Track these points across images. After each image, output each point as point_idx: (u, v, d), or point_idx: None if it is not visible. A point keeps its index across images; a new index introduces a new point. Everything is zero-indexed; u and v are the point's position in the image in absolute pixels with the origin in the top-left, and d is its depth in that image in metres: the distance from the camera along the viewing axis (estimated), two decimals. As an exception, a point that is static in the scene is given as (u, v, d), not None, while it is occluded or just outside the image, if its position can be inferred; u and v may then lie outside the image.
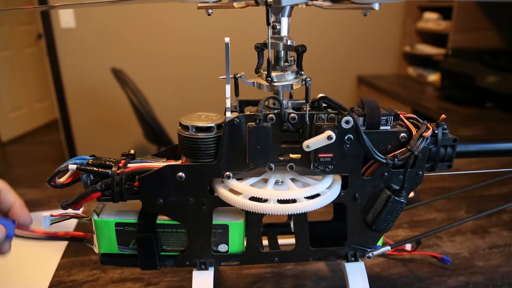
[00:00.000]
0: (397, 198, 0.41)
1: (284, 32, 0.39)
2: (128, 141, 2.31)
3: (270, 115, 0.38)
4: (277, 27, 0.39)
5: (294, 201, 0.40)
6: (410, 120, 0.42)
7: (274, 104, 0.39)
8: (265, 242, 0.48)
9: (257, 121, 0.37)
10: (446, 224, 0.57)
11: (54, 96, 2.31)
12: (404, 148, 0.40)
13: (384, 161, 0.40)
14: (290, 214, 0.40)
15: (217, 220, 0.43)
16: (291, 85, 0.39)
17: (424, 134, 0.40)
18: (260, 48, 0.39)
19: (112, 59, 2.12)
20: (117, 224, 0.42)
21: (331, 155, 0.39)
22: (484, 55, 1.70)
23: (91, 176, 0.40)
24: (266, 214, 0.39)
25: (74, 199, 0.40)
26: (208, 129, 0.38)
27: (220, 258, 0.44)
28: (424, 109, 1.75)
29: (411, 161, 0.40)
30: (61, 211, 0.41)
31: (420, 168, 0.42)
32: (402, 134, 0.40)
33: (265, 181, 0.41)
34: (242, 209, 0.40)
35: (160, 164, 0.40)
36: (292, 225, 0.45)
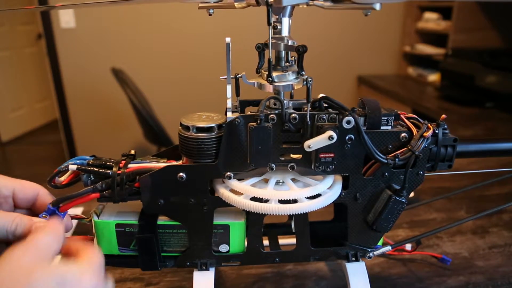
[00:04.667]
0: (398, 198, 0.41)
1: (285, 32, 0.39)
2: (128, 141, 2.31)
3: (271, 115, 0.38)
4: (278, 27, 0.39)
5: (295, 201, 0.40)
6: (411, 120, 0.42)
7: (275, 104, 0.39)
8: (265, 242, 0.48)
9: (258, 121, 0.37)
10: (446, 224, 0.56)
11: (54, 96, 2.31)
12: (405, 148, 0.40)
13: (385, 161, 0.40)
14: (291, 214, 0.40)
15: (218, 220, 0.43)
16: (292, 85, 0.39)
17: (424, 134, 0.39)
18: (261, 48, 0.39)
19: (112, 59, 2.12)
20: (117, 225, 0.42)
21: (332, 155, 0.39)
22: (484, 55, 1.70)
23: (92, 176, 0.40)
24: (267, 214, 0.39)
25: (66, 196, 0.37)
26: (209, 130, 0.38)
27: (221, 258, 0.44)
28: (424, 109, 1.75)
29: (412, 161, 0.40)
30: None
31: (421, 168, 0.42)
32: (403, 134, 0.40)
33: (266, 181, 0.41)
34: (243, 209, 0.40)
35: (160, 164, 0.40)
36: (293, 225, 0.44)
